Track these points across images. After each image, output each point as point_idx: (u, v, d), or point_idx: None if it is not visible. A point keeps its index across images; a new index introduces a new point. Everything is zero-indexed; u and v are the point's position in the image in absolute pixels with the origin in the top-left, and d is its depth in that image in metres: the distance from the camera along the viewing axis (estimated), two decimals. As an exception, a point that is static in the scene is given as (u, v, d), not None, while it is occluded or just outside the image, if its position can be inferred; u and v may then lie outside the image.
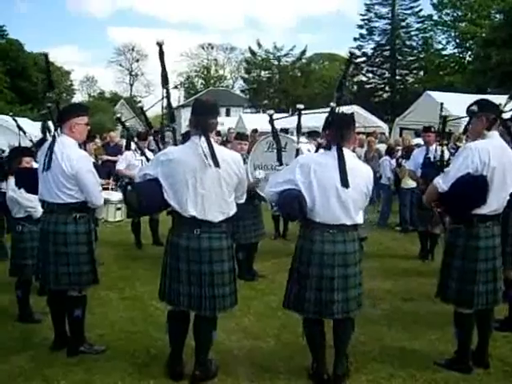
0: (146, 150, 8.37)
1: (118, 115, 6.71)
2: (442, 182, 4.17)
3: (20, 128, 7.37)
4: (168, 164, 3.89)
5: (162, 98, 4.67)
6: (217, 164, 3.77)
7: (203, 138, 3.83)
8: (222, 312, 4.05)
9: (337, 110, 4.78)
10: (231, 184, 3.97)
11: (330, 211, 3.87)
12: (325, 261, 3.88)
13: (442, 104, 6.93)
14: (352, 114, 4.33)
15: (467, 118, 4.48)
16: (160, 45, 4.46)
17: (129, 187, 4.09)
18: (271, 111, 6.02)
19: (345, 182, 3.79)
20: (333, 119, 4.19)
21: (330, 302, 3.88)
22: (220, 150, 3.96)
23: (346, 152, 3.89)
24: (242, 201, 4.31)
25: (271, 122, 5.89)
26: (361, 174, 3.95)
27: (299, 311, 4.07)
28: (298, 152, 5.81)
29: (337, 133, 3.93)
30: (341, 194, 3.83)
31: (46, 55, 5.24)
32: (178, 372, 4.18)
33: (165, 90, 4.64)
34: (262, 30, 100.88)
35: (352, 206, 3.88)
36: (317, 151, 5.71)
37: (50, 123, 5.58)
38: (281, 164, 5.87)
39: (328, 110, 4.89)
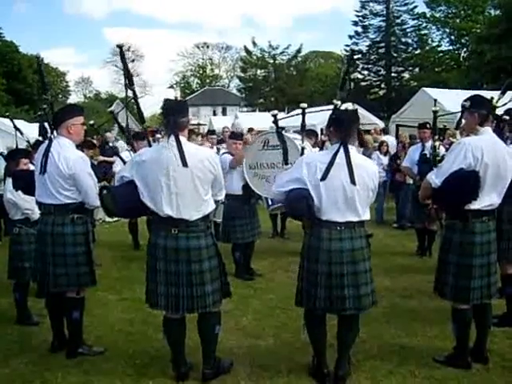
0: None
1: (112, 108, 6.64)
2: (434, 178, 4.20)
3: (17, 129, 7.36)
4: (142, 165, 3.91)
5: (130, 100, 4.70)
6: (185, 163, 3.77)
7: (173, 137, 3.84)
8: (202, 311, 4.00)
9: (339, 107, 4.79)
10: (205, 181, 3.94)
11: (336, 209, 3.87)
12: (332, 258, 3.88)
13: (435, 100, 6.95)
14: (356, 110, 4.32)
15: (459, 114, 4.51)
16: (120, 47, 4.51)
17: (104, 191, 4.10)
18: (275, 111, 6.00)
19: (351, 180, 3.80)
20: (337, 116, 4.18)
21: (342, 297, 3.88)
22: (192, 148, 3.96)
23: (351, 149, 3.89)
24: (221, 198, 4.33)
25: (275, 122, 5.88)
26: (366, 170, 3.94)
27: (311, 308, 4.04)
28: (303, 150, 5.81)
29: (342, 130, 3.92)
30: (347, 192, 3.83)
31: (38, 57, 5.24)
32: (184, 373, 4.17)
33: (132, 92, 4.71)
34: (259, 28, 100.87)
35: (359, 203, 3.88)
36: (321, 149, 5.70)
37: (47, 125, 5.58)
38: (286, 163, 5.86)
39: (326, 107, 4.89)
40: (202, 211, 3.96)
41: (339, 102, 4.78)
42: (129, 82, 4.73)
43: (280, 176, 4.28)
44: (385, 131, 16.40)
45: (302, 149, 5.79)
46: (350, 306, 3.90)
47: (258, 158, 6.85)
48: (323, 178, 3.81)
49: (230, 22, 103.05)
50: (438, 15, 43.60)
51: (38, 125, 6.57)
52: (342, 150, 3.85)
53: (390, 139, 13.82)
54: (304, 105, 5.72)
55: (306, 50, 56.79)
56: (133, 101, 4.99)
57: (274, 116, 5.81)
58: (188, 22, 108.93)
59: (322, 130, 13.52)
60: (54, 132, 4.56)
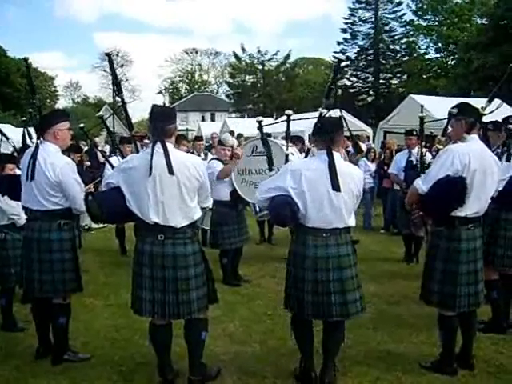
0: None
1: (101, 113, 6.58)
2: (421, 184, 4.22)
3: (3, 134, 7.30)
4: (128, 172, 3.89)
5: (118, 107, 4.72)
6: (171, 171, 3.75)
7: (159, 144, 3.82)
8: (187, 317, 3.99)
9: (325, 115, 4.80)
10: (191, 188, 3.92)
11: (322, 216, 3.87)
12: (318, 265, 3.88)
13: (422, 106, 7.01)
14: (340, 117, 4.35)
15: (446, 121, 4.55)
16: (109, 55, 4.51)
17: (89, 197, 4.08)
18: (260, 117, 6.01)
19: (336, 187, 3.80)
20: (322, 124, 4.20)
21: (328, 304, 3.88)
22: (179, 155, 3.95)
23: (336, 156, 3.90)
24: (207, 205, 4.33)
25: (260, 128, 5.89)
26: (351, 176, 3.96)
27: (299, 314, 4.04)
28: (287, 158, 5.81)
29: (327, 137, 3.93)
30: (333, 199, 3.84)
31: (26, 60, 5.23)
32: (170, 380, 4.15)
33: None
34: (249, 35, 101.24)
35: (344, 210, 3.89)
36: (306, 156, 5.72)
37: (32, 130, 5.55)
38: (271, 170, 5.86)
39: (313, 114, 4.89)
40: (188, 218, 3.95)
41: (325, 110, 4.80)
42: (117, 90, 4.72)
43: (264, 183, 4.29)
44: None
45: (286, 156, 5.80)
46: (337, 313, 3.90)
47: (246, 164, 6.87)
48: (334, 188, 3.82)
49: (221, 28, 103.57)
50: (425, 23, 43.93)
51: (22, 130, 6.51)
52: (327, 157, 3.85)
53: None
54: (289, 112, 5.73)
55: (296, 57, 57.19)
56: (121, 108, 4.99)
57: (259, 122, 5.82)
58: (178, 27, 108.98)
59: (309, 136, 13.62)
60: (41, 138, 4.53)
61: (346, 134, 4.39)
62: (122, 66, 71.93)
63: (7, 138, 7.27)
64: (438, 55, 44.32)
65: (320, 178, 3.84)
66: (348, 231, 4.01)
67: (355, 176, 4.01)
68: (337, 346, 4.16)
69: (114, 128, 4.93)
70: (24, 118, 5.84)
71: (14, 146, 7.23)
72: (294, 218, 3.87)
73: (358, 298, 4.00)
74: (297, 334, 4.18)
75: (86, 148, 14.75)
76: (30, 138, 5.85)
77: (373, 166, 11.32)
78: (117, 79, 4.66)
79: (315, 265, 3.89)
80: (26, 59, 5.34)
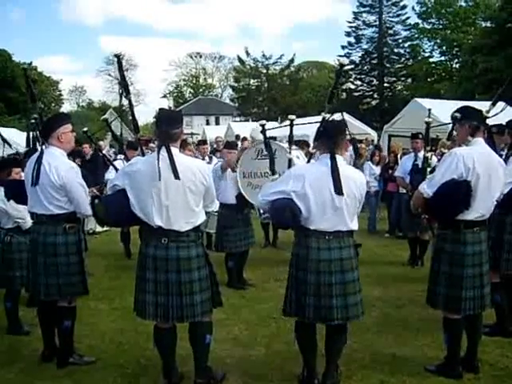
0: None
1: (106, 116, 6.59)
2: (426, 188, 4.22)
3: (5, 141, 7.28)
4: (133, 175, 3.90)
5: (124, 110, 4.74)
6: (176, 176, 3.76)
7: (164, 148, 3.83)
8: (191, 320, 3.99)
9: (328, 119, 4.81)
10: (197, 193, 3.92)
11: (325, 219, 3.88)
12: (321, 268, 3.88)
13: (429, 110, 7.00)
14: (343, 120, 4.35)
15: (451, 124, 4.55)
16: (118, 56, 4.52)
17: (96, 200, 4.09)
18: (263, 121, 6.03)
19: (339, 190, 3.82)
20: (325, 127, 4.21)
21: (330, 307, 3.88)
22: (184, 160, 3.95)
23: (339, 159, 3.92)
24: (212, 209, 4.32)
25: (263, 132, 5.90)
26: (354, 180, 3.97)
27: (300, 317, 4.04)
28: (290, 162, 5.81)
29: (330, 140, 3.95)
30: (335, 202, 3.85)
31: (25, 69, 5.27)
32: (175, 383, 4.16)
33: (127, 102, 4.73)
34: (254, 38, 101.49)
35: (346, 213, 3.90)
36: (309, 161, 5.74)
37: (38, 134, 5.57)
38: (273, 173, 5.88)
39: (317, 118, 4.90)
40: (192, 223, 3.95)
41: (327, 115, 4.81)
42: (125, 92, 4.74)
43: (267, 185, 4.29)
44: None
45: (289, 160, 5.81)
46: (338, 316, 3.90)
47: (251, 166, 6.88)
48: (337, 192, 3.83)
49: (226, 31, 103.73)
50: (429, 27, 43.92)
51: (26, 134, 6.52)
52: (330, 160, 3.87)
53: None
54: (292, 116, 5.75)
55: (300, 60, 57.25)
56: (126, 110, 5.02)
57: (262, 126, 5.84)
58: (183, 31, 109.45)
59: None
60: (45, 143, 4.56)
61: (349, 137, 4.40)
62: (126, 69, 71.92)
63: (10, 145, 7.26)
64: (443, 58, 44.31)
65: (323, 182, 3.85)
66: (351, 235, 4.02)
67: (357, 180, 4.02)
68: (340, 349, 4.16)
69: (121, 130, 4.96)
70: (32, 121, 5.86)
71: (16, 152, 7.23)
72: (294, 220, 3.88)
73: (358, 301, 4.01)
74: (300, 341, 4.18)
75: (90, 151, 14.84)
76: (39, 141, 5.87)
77: (377, 170, 11.32)
78: (125, 80, 4.66)
79: (318, 267, 3.89)
80: (25, 69, 5.38)
